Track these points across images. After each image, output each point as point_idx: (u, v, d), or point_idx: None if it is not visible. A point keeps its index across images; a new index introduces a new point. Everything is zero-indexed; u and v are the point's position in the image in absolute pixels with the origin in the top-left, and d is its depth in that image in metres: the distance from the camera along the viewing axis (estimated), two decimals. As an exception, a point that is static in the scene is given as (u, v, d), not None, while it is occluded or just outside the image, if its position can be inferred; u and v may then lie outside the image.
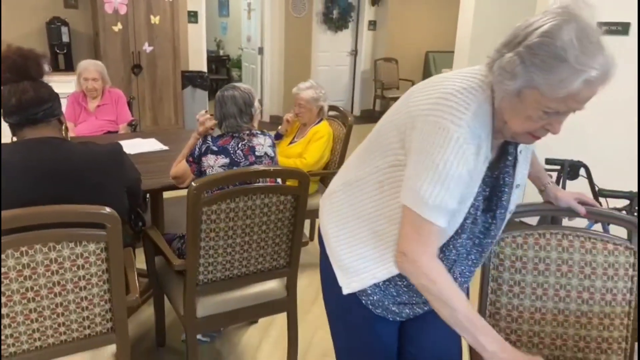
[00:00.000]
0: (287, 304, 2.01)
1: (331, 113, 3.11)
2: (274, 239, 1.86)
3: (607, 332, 1.39)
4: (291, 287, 2.00)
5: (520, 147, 1.13)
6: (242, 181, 1.80)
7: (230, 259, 1.81)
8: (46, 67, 1.60)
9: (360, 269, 1.15)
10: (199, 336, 2.28)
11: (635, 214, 2.11)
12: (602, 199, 2.15)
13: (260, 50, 7.11)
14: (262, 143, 2.01)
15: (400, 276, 1.13)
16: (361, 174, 1.17)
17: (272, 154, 2.04)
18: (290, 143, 2.97)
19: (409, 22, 7.70)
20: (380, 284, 1.17)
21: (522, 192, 1.19)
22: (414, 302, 1.21)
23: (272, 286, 2.00)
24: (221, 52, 8.93)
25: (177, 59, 5.73)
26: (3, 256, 1.26)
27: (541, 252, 1.40)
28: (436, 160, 0.96)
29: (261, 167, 1.93)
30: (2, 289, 1.29)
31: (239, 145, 1.95)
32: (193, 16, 6.31)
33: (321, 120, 2.93)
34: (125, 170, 1.70)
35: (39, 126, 1.55)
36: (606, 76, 0.89)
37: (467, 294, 1.31)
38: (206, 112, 2.13)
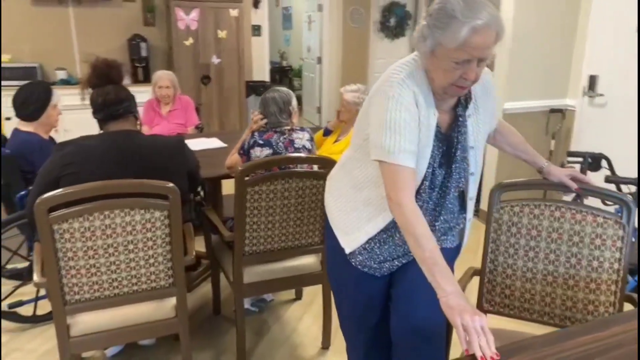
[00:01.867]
0: (321, 277, 2.29)
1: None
2: (309, 219, 2.15)
3: (593, 295, 1.56)
4: (325, 262, 2.28)
5: (469, 112, 1.37)
6: (283, 167, 2.12)
7: (271, 234, 2.12)
8: (125, 75, 2.01)
9: (356, 228, 1.45)
10: (248, 306, 2.62)
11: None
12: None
13: (319, 60, 7.48)
14: (301, 137, 2.32)
15: (383, 232, 1.41)
16: (349, 154, 1.50)
17: (310, 147, 2.34)
18: (335, 141, 3.25)
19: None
20: (367, 245, 1.45)
21: (480, 155, 1.42)
22: (393, 257, 1.47)
23: (309, 261, 2.28)
24: (284, 63, 9.41)
25: (242, 70, 6.20)
26: (91, 217, 1.64)
27: (534, 220, 1.60)
28: (384, 117, 1.25)
29: (293, 155, 2.23)
30: (89, 244, 1.67)
31: (281, 139, 2.27)
32: (257, 30, 6.78)
33: (363, 121, 3.19)
34: (185, 158, 2.07)
35: (119, 121, 1.95)
36: (491, 25, 1.14)
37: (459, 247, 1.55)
38: (259, 112, 2.46)
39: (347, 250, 1.48)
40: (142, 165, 1.89)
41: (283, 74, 9.38)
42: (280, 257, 2.22)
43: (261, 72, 6.92)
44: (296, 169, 2.15)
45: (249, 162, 2.09)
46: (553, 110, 3.67)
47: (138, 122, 2.07)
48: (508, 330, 1.69)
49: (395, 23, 7.65)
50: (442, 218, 1.43)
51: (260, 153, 2.25)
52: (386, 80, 1.29)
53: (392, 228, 1.41)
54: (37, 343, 2.36)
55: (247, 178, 1.97)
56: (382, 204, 1.36)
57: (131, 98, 2.00)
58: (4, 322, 2.43)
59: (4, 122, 5.05)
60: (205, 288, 2.86)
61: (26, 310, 2.49)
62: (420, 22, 1.24)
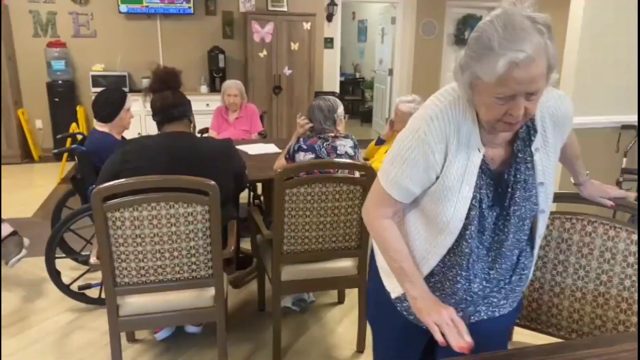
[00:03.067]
0: (358, 281, 2.34)
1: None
2: (345, 223, 2.22)
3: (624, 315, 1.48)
4: (362, 267, 2.33)
5: (535, 145, 1.19)
6: (323, 172, 2.21)
7: (308, 235, 2.20)
8: (181, 81, 2.20)
9: None
10: (289, 304, 2.72)
11: None
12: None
13: (390, 72, 7.52)
14: (344, 144, 2.40)
15: (430, 277, 1.28)
16: None
17: (352, 154, 2.41)
18: (388, 151, 3.28)
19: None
20: None
21: (551, 190, 1.24)
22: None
23: (346, 264, 2.34)
24: (357, 75, 9.53)
25: (312, 81, 6.40)
26: (140, 208, 1.82)
27: (564, 234, 1.56)
28: (403, 146, 1.17)
29: (333, 160, 2.31)
30: (137, 232, 1.85)
31: (324, 145, 2.36)
32: (329, 42, 6.96)
33: (417, 131, 3.20)
34: (231, 159, 2.22)
35: (174, 123, 2.14)
36: (536, 57, 0.98)
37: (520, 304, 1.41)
38: (305, 117, 2.58)
39: (393, 295, 1.36)
40: (191, 163, 2.05)
41: (355, 85, 9.50)
42: (317, 258, 2.29)
43: (332, 83, 7.08)
44: (335, 174, 2.22)
45: (290, 164, 2.20)
46: (625, 127, 3.45)
47: (192, 125, 2.25)
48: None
49: (469, 35, 7.50)
50: (497, 267, 1.26)
51: (303, 157, 2.35)
52: (426, 108, 1.17)
53: (439, 273, 1.28)
54: (100, 322, 2.61)
55: (287, 180, 2.08)
56: (427, 249, 1.25)
57: (186, 103, 2.18)
58: (73, 301, 2.72)
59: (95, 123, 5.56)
60: (254, 286, 3.00)
61: (93, 293, 2.76)
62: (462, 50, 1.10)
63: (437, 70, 7.44)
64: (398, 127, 3.18)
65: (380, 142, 3.38)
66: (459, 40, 7.54)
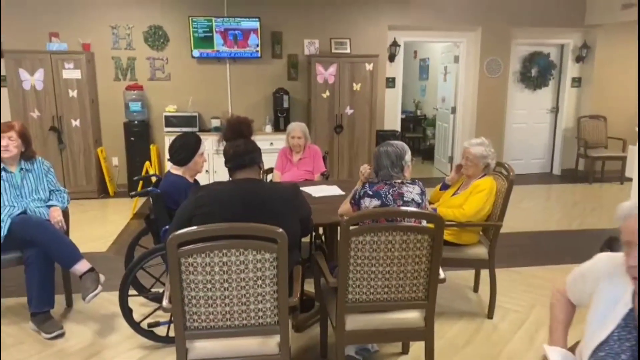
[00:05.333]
0: (424, 333, 2.26)
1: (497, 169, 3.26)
2: (412, 273, 2.17)
3: None
4: (429, 319, 2.25)
5: None
6: (390, 220, 2.19)
7: (374, 284, 2.17)
8: (253, 129, 2.28)
9: None
10: (352, 353, 2.66)
11: None
12: None
13: (453, 110, 7.43)
14: (411, 190, 2.37)
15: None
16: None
17: (420, 201, 2.38)
18: (454, 194, 3.21)
19: (617, 78, 7.15)
20: None
21: None
22: None
23: (412, 315, 2.28)
24: (418, 112, 9.50)
25: (373, 120, 6.44)
26: (211, 254, 1.87)
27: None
28: (587, 264, 1.57)
29: (401, 209, 2.28)
30: (208, 277, 1.90)
31: (390, 191, 2.34)
32: (391, 82, 7.02)
33: (485, 175, 3.12)
34: (299, 205, 2.25)
35: (245, 170, 2.21)
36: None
37: None
38: (368, 166, 2.58)
39: None
40: (260, 209, 2.10)
41: (417, 123, 9.46)
42: (383, 309, 2.25)
43: (393, 121, 7.10)
44: (402, 223, 2.19)
45: (356, 212, 2.19)
46: None
47: (262, 171, 2.31)
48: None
49: (537, 73, 7.35)
50: None
51: (369, 203, 2.34)
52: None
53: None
54: (166, 361, 2.67)
55: (353, 227, 2.08)
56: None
57: (257, 150, 2.25)
58: (142, 339, 2.80)
59: (166, 162, 5.86)
60: (317, 330, 2.97)
61: (161, 331, 2.84)
62: None
63: (502, 109, 7.28)
64: (470, 171, 3.12)
65: (445, 186, 3.32)
66: (525, 78, 7.37)
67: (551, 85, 7.53)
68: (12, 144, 3.00)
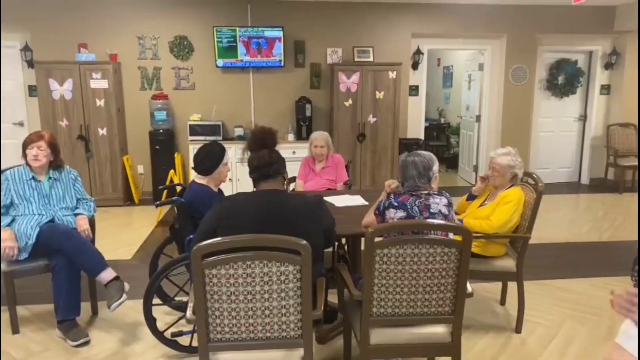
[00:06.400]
0: (451, 348, 2.21)
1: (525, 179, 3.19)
2: (439, 287, 2.12)
3: None
4: (456, 334, 2.20)
5: None
6: (416, 232, 2.15)
7: (399, 298, 2.13)
8: (278, 139, 2.27)
9: None
10: (376, 367, 2.61)
11: None
12: None
13: (478, 118, 7.33)
14: (438, 202, 2.32)
15: None
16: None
17: (447, 213, 2.33)
18: (481, 205, 3.14)
19: (649, 84, 6.96)
20: None
21: None
22: None
23: (438, 330, 2.22)
24: (442, 120, 9.40)
25: (396, 128, 6.40)
26: (235, 266, 1.86)
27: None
28: None
29: (428, 221, 2.23)
30: (232, 289, 1.89)
31: (416, 203, 2.30)
32: (414, 90, 6.96)
33: (512, 185, 3.05)
34: (322, 217, 2.22)
35: (269, 181, 2.19)
36: None
37: None
38: (395, 181, 2.53)
39: None
40: (284, 221, 2.09)
41: (440, 130, 9.36)
42: (409, 323, 2.20)
43: (416, 129, 7.04)
44: (429, 235, 2.15)
45: (381, 225, 2.16)
46: None
47: (285, 181, 2.30)
48: None
49: (564, 81, 7.21)
50: None
51: (394, 215, 2.30)
52: None
53: None
54: (189, 371, 2.67)
55: (378, 239, 2.04)
56: None
57: (281, 160, 2.24)
58: (166, 348, 2.80)
59: (190, 170, 5.91)
60: (340, 342, 2.94)
61: (184, 340, 2.84)
62: None
63: (528, 117, 7.15)
64: (497, 181, 3.05)
65: (471, 197, 3.26)
66: (552, 85, 7.23)
67: (579, 93, 7.37)
68: (41, 154, 3.06)
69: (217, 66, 6.29)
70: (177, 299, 3.24)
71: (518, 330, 3.05)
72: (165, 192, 5.39)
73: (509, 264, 3.02)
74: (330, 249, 3.97)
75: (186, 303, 2.92)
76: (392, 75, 6.22)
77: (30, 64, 6.13)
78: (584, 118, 7.49)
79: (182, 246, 2.87)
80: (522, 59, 6.93)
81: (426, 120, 7.72)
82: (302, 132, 6.31)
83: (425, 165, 2.34)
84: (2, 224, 2.93)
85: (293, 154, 5.85)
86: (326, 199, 3.25)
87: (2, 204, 3.01)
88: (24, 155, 3.09)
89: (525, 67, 6.96)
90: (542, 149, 7.46)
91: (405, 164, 2.37)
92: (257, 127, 2.28)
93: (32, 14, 6.03)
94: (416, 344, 2.21)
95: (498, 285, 3.53)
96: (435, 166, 2.40)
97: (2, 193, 3.03)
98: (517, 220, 2.98)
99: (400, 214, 2.29)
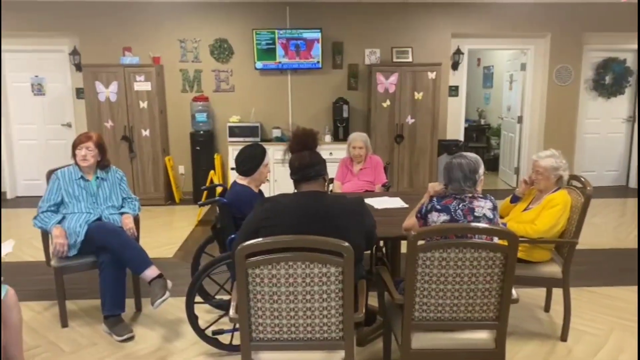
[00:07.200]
0: (495, 355, 2.16)
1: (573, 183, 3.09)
2: (483, 292, 2.07)
3: None
4: (500, 341, 2.14)
5: None
6: (460, 236, 2.11)
7: (442, 303, 2.10)
8: (319, 140, 2.27)
9: None
10: (416, 371, 2.57)
11: None
12: None
13: (520, 119, 7.15)
14: (482, 205, 2.27)
15: None
16: None
17: (491, 217, 2.27)
18: (525, 209, 3.06)
19: None
20: None
21: None
22: None
23: (482, 336, 2.17)
24: (482, 122, 9.21)
25: (435, 129, 6.31)
26: (278, 266, 1.87)
27: None
28: None
29: (472, 225, 2.19)
30: (274, 289, 1.90)
31: (460, 206, 2.26)
32: (454, 90, 6.85)
33: (559, 188, 2.96)
34: (363, 219, 2.21)
35: (310, 182, 2.20)
36: None
37: None
38: (441, 184, 2.48)
39: None
40: (325, 222, 2.09)
41: (480, 132, 9.17)
42: (451, 328, 2.16)
43: (456, 131, 6.93)
44: (473, 239, 2.11)
45: (424, 228, 2.13)
46: None
47: (326, 183, 2.30)
48: None
49: (611, 80, 6.95)
50: None
51: (437, 218, 2.27)
52: None
53: None
54: (229, 369, 2.71)
55: (420, 243, 2.02)
56: None
57: (322, 162, 2.24)
58: (207, 346, 2.85)
59: (229, 171, 6.01)
60: (379, 345, 2.92)
61: (225, 339, 2.88)
62: None
63: (573, 119, 6.92)
64: (542, 185, 2.97)
65: (515, 199, 3.17)
66: (599, 85, 6.98)
67: (627, 93, 7.08)
68: (89, 154, 3.17)
69: (255, 68, 6.36)
70: (217, 297, 3.29)
71: (564, 338, 2.95)
72: (205, 192, 5.49)
73: (554, 269, 2.93)
74: (369, 252, 3.95)
75: (227, 302, 2.98)
76: (432, 75, 6.14)
77: (78, 67, 6.38)
78: (632, 119, 7.19)
79: (223, 245, 2.91)
80: (566, 58, 6.72)
81: (465, 121, 7.57)
82: (339, 133, 6.31)
83: (472, 168, 2.30)
84: (53, 221, 3.05)
85: (330, 155, 5.85)
86: (365, 200, 3.23)
87: (53, 202, 3.14)
88: (74, 155, 3.21)
89: (570, 66, 6.74)
90: (588, 152, 7.21)
91: (451, 166, 2.33)
92: (298, 129, 2.29)
93: (80, 20, 6.26)
94: (459, 350, 2.17)
95: (541, 291, 3.43)
96: (481, 169, 2.35)
97: (54, 191, 3.15)
98: (563, 224, 2.88)
99: (444, 217, 2.25)
